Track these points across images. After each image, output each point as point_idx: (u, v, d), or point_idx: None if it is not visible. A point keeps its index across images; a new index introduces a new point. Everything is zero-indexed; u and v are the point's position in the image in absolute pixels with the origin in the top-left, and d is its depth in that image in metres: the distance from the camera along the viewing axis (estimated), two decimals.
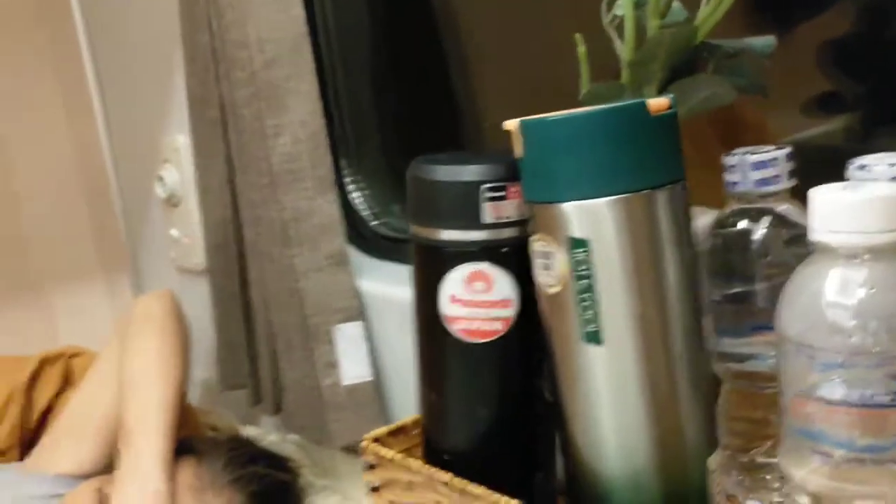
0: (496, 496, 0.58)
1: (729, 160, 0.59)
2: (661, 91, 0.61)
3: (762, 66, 0.64)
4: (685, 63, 0.62)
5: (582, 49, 0.62)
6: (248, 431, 1.16)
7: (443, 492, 0.62)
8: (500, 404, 0.63)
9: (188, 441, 0.97)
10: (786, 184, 0.58)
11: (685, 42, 0.61)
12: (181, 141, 1.24)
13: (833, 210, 0.47)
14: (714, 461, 0.55)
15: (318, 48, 1.04)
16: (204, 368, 1.21)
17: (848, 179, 0.54)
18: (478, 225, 0.59)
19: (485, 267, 0.60)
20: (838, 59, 0.72)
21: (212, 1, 0.98)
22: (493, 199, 0.58)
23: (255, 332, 1.09)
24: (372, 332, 1.01)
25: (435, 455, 0.66)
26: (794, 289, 0.49)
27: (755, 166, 0.57)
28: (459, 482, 0.60)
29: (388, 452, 0.67)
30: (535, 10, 0.95)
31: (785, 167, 0.58)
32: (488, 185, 0.58)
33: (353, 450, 1.00)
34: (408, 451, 0.69)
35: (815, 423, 0.48)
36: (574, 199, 0.53)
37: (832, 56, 0.72)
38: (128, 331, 1.03)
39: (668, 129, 0.54)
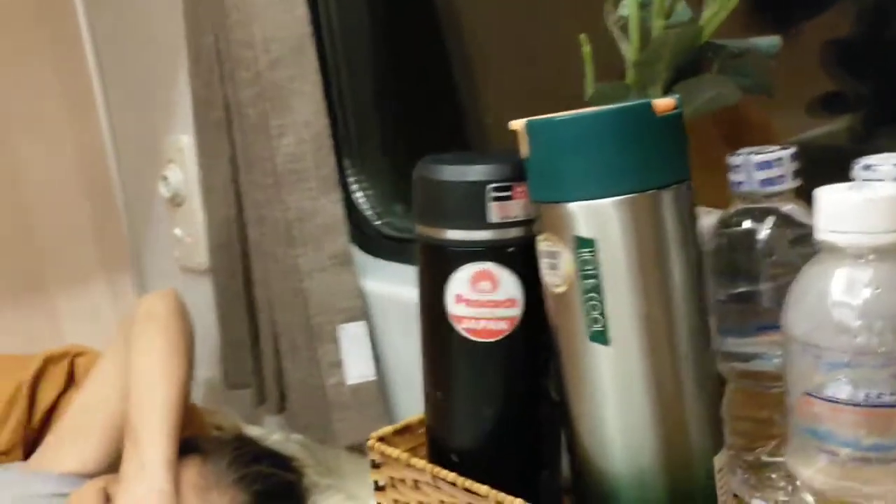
0: (501, 495, 0.58)
1: (733, 160, 0.59)
2: (666, 91, 0.61)
3: (767, 66, 0.64)
4: (690, 63, 0.62)
5: (587, 49, 0.62)
6: (253, 431, 1.16)
7: (448, 491, 0.62)
8: (505, 404, 0.63)
9: (193, 440, 0.98)
10: (790, 184, 0.58)
11: (690, 42, 0.61)
12: (185, 141, 1.24)
13: (838, 210, 0.47)
14: (719, 460, 0.56)
15: (321, 48, 1.04)
16: (208, 368, 1.21)
17: (853, 179, 0.55)
18: (484, 225, 0.59)
19: (491, 266, 0.60)
20: (843, 58, 0.72)
21: (216, 1, 0.99)
22: (499, 198, 0.58)
23: (258, 332, 1.10)
24: (375, 332, 1.02)
25: (440, 454, 0.66)
26: (799, 289, 0.49)
27: (760, 166, 0.58)
28: (464, 481, 0.60)
29: (393, 451, 0.67)
30: (539, 10, 0.95)
31: (789, 167, 0.58)
32: (494, 185, 0.58)
33: (356, 449, 1.00)
34: (413, 451, 0.68)
35: (821, 422, 0.48)
36: (580, 199, 0.53)
37: (836, 56, 0.72)
38: (132, 330, 1.03)
39: (673, 129, 0.54)
